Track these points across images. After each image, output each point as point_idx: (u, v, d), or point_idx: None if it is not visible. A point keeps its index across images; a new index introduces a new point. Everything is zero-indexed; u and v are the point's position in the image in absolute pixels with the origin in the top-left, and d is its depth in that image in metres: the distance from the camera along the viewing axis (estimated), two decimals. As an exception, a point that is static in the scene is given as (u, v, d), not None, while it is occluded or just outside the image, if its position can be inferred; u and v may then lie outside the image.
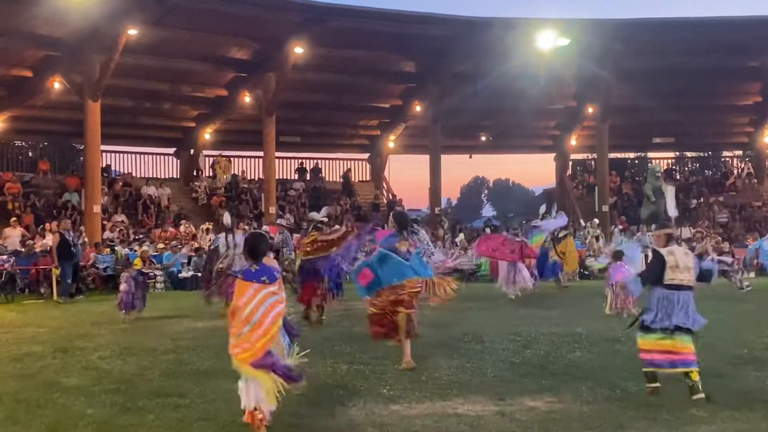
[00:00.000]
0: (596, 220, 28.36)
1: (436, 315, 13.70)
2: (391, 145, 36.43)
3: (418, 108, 33.03)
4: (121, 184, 30.09)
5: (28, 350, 10.55)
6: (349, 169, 36.98)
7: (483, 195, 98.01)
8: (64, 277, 18.40)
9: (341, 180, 36.43)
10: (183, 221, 27.69)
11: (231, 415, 6.77)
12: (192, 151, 33.54)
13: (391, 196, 36.75)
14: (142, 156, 34.05)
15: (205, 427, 6.47)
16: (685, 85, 31.52)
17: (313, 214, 13.74)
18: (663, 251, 7.78)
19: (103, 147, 27.34)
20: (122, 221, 26.85)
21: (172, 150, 34.20)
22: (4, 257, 19.70)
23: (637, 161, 40.51)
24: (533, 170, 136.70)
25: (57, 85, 25.94)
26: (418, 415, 6.80)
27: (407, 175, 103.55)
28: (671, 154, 40.28)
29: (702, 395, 7.29)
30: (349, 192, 35.06)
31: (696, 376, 7.43)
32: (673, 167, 39.68)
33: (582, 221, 29.54)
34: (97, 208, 25.05)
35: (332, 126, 35.68)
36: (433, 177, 33.00)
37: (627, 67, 29.30)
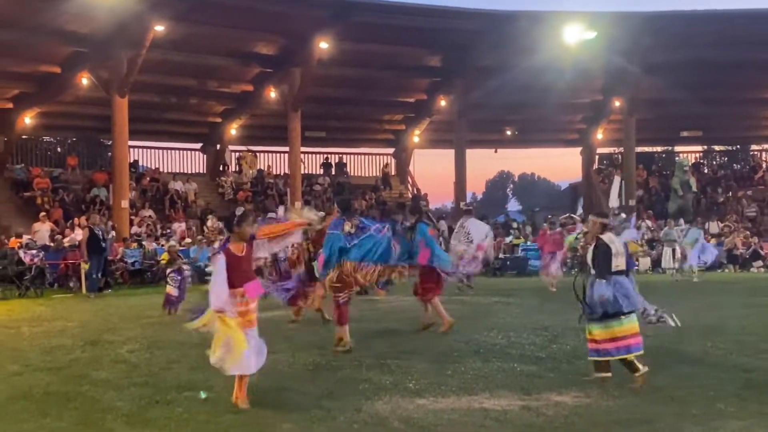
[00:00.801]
0: (623, 215, 28.16)
1: (463, 309, 13.73)
2: (416, 139, 36.40)
3: (443, 102, 32.96)
4: (148, 179, 30.33)
5: (57, 343, 10.67)
6: (387, 164, 36.97)
7: (508, 189, 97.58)
8: (93, 272, 18.57)
9: (380, 174, 36.63)
10: (209, 216, 27.86)
11: (258, 408, 6.83)
12: (218, 147, 33.70)
13: (416, 191, 36.74)
14: (169, 151, 34.35)
15: (233, 420, 6.51)
16: (714, 78, 31.19)
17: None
18: (606, 240, 7.95)
19: (131, 142, 27.60)
20: (149, 216, 27.07)
21: (198, 145, 34.40)
22: (34, 252, 19.95)
23: (664, 155, 40.17)
24: (559, 164, 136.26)
25: (85, 81, 26.15)
26: (443, 410, 6.80)
27: (432, 170, 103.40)
28: (699, 148, 39.89)
29: (610, 375, 7.75)
30: (388, 186, 35.16)
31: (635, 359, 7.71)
32: (701, 161, 39.31)
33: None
34: (124, 203, 25.27)
35: (357, 121, 35.75)
36: (458, 171, 32.89)
37: (655, 60, 29.03)
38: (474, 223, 16.15)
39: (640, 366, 7.69)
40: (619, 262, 7.87)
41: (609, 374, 7.84)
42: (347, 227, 9.96)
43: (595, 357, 7.96)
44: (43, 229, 22.80)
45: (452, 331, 11.17)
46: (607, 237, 8.02)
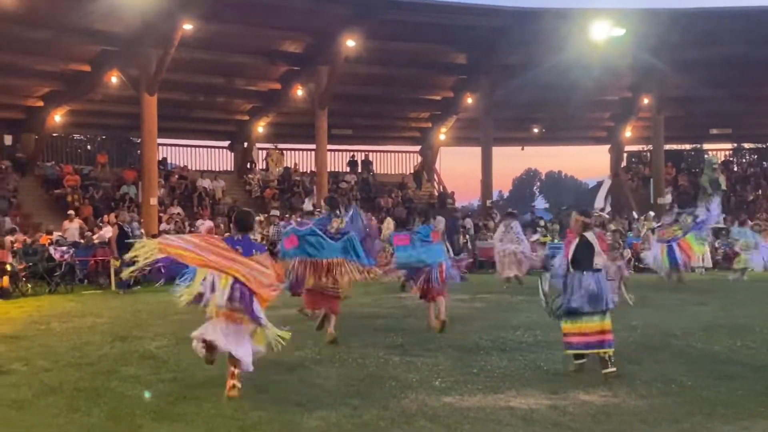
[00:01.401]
0: (651, 213, 27.95)
1: (489, 307, 13.72)
2: (442, 137, 36.34)
3: (469, 100, 32.86)
4: (176, 176, 30.55)
5: (87, 339, 10.78)
6: (421, 162, 36.97)
7: (535, 187, 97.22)
8: (123, 269, 18.67)
9: (411, 171, 36.56)
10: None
11: (285, 404, 6.88)
12: (245, 144, 33.88)
13: (442, 189, 36.70)
14: (197, 149, 34.64)
15: (260, 416, 6.55)
16: (743, 75, 30.86)
17: (306, 204, 14.47)
18: (588, 237, 8.34)
19: (160, 140, 27.77)
20: (178, 213, 27.25)
21: (226, 143, 34.63)
22: (64, 248, 20.14)
23: (693, 153, 39.80)
24: (586, 162, 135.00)
25: (114, 79, 26.36)
26: (470, 408, 6.80)
27: (459, 168, 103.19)
28: (728, 146, 39.49)
29: (584, 361, 8.18)
30: (419, 184, 35.16)
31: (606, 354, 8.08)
32: (731, 159, 38.92)
33: (635, 214, 29.10)
34: (153, 201, 25.47)
35: (384, 119, 35.78)
36: (484, 169, 32.79)
37: (684, 57, 28.77)
38: (521, 229, 17.40)
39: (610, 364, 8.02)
40: (597, 261, 8.26)
41: (614, 369, 8.02)
42: (335, 225, 10.26)
43: (572, 351, 8.30)
44: (72, 227, 23.02)
45: (478, 328, 11.18)
46: (590, 235, 8.38)
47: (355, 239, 10.27)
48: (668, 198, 29.52)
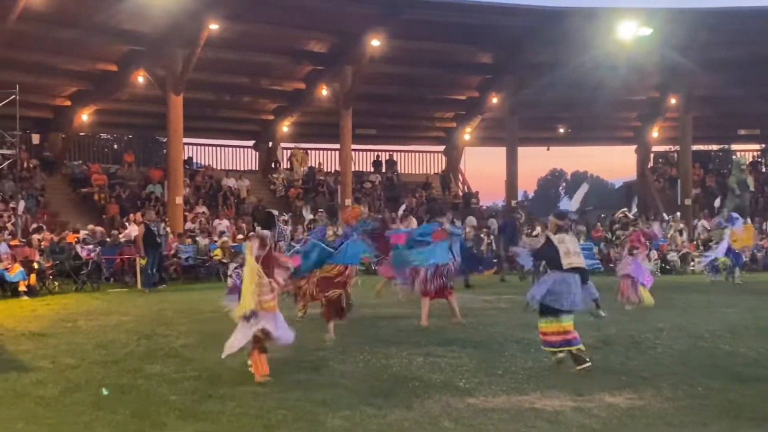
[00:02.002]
0: (678, 214, 27.74)
1: (514, 307, 13.64)
2: (467, 137, 36.27)
3: (494, 100, 32.78)
4: (202, 176, 30.70)
5: (113, 337, 10.85)
6: (446, 168, 36.96)
7: (560, 188, 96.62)
8: (149, 268, 18.82)
9: (437, 173, 36.72)
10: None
11: (309, 404, 6.88)
12: (270, 144, 33.98)
13: (467, 189, 36.61)
14: (223, 148, 34.80)
15: (284, 415, 6.56)
16: (773, 75, 30.53)
17: (305, 213, 15.40)
18: (555, 239, 8.72)
19: (185, 140, 27.97)
20: (203, 212, 27.38)
21: (251, 142, 34.74)
22: (91, 246, 20.30)
23: (721, 153, 39.41)
24: (613, 162, 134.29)
25: (141, 79, 26.56)
26: (494, 409, 6.76)
27: (484, 168, 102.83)
28: (757, 146, 39.05)
29: (562, 356, 8.45)
30: (447, 188, 35.08)
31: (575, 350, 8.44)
32: (759, 159, 38.48)
33: (665, 215, 28.84)
34: (179, 200, 25.62)
35: (408, 118, 35.74)
36: (509, 169, 32.70)
37: (712, 56, 28.51)
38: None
39: (585, 359, 8.37)
40: (572, 260, 8.58)
41: (588, 364, 8.33)
42: (329, 232, 10.79)
43: (548, 348, 8.63)
44: (98, 230, 23.16)
45: (503, 329, 11.15)
46: (557, 237, 8.73)
47: (352, 244, 10.65)
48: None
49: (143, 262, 18.90)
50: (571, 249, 8.68)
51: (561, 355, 8.48)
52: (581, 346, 8.44)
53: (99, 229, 22.94)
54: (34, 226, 21.73)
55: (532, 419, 6.45)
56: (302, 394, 7.28)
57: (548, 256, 8.82)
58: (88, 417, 6.58)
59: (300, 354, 9.39)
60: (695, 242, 25.98)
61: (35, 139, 28.93)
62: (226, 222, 25.91)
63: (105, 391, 7.34)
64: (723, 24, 27.48)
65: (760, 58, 28.98)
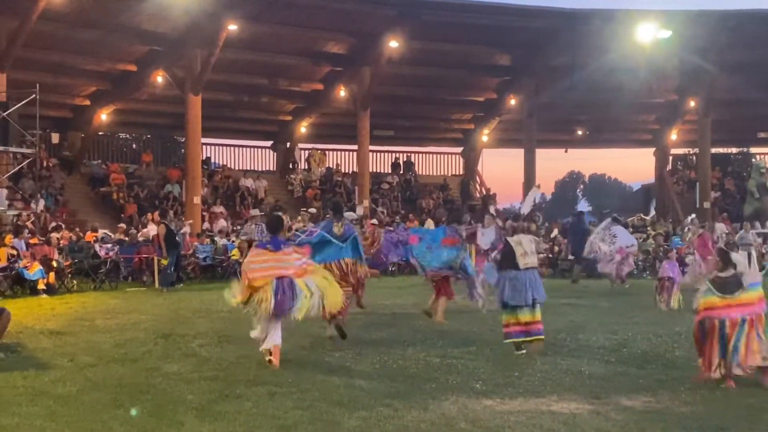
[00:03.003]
0: (693, 216, 27.49)
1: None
2: (485, 139, 36.21)
3: (513, 102, 32.71)
4: (220, 176, 30.81)
5: (130, 336, 10.90)
6: (466, 166, 36.96)
7: (578, 190, 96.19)
8: (168, 267, 18.89)
9: (456, 174, 36.86)
10: (279, 213, 28.05)
11: (326, 405, 6.89)
12: (288, 144, 34.06)
13: (484, 191, 36.53)
14: (241, 149, 34.91)
15: (301, 415, 6.57)
16: (794, 78, 30.28)
17: (349, 214, 15.58)
18: (512, 241, 9.71)
19: (204, 140, 28.07)
20: (221, 212, 27.46)
21: (269, 143, 34.84)
22: (109, 245, 20.41)
23: (740, 156, 39.10)
24: (631, 165, 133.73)
25: (160, 79, 26.71)
26: (511, 411, 6.75)
27: (501, 170, 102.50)
28: (776, 150, 38.78)
29: (524, 351, 9.37)
30: (466, 194, 34.96)
31: (541, 344, 9.53)
32: (779, 162, 38.20)
33: (683, 218, 28.65)
34: (197, 200, 25.72)
35: (426, 120, 35.72)
36: (527, 171, 32.58)
37: (732, 59, 28.33)
38: (621, 230, 18.58)
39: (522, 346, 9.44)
40: (527, 261, 9.58)
41: (524, 351, 9.39)
42: (336, 229, 10.75)
43: (510, 340, 9.56)
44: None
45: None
46: (515, 239, 9.71)
47: (357, 238, 10.94)
48: None
49: (165, 261, 18.96)
50: (527, 249, 9.61)
51: (522, 351, 9.40)
52: (541, 337, 9.52)
53: (122, 227, 23.10)
54: (53, 224, 21.85)
55: (549, 422, 6.44)
56: (319, 394, 7.29)
57: (506, 257, 9.71)
58: (106, 415, 6.61)
59: (316, 355, 9.41)
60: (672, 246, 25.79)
61: (55, 138, 29.09)
62: (222, 222, 25.93)
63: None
64: (743, 26, 27.26)
65: (779, 60, 28.78)
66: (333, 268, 10.30)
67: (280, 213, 11.48)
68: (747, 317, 7.72)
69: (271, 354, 8.58)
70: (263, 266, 8.68)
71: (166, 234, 18.95)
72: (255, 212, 23.53)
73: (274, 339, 8.65)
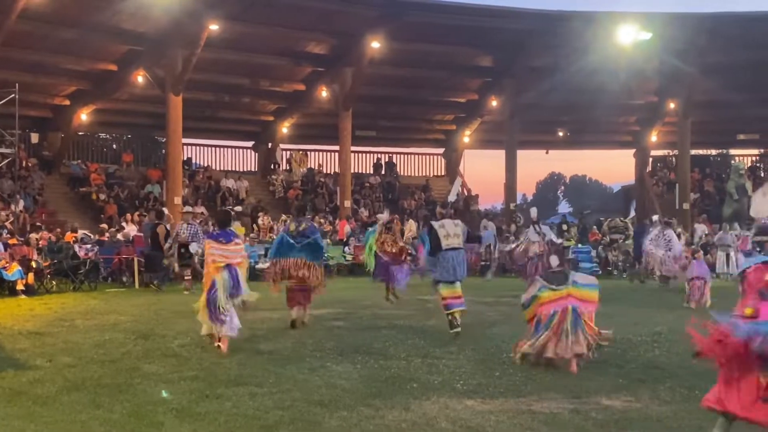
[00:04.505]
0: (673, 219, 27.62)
1: (511, 310, 13.62)
2: (466, 140, 36.29)
3: (494, 103, 32.81)
4: (201, 176, 30.69)
5: (110, 337, 10.83)
6: (448, 167, 37.01)
7: (559, 191, 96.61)
8: (167, 267, 19.02)
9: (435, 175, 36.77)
10: (261, 213, 28.06)
11: (306, 404, 6.88)
12: (270, 145, 33.98)
13: (466, 192, 36.61)
14: (222, 149, 34.79)
15: (281, 416, 6.56)
16: (772, 80, 30.53)
17: (380, 216, 16.70)
18: (436, 225, 11.05)
19: (185, 140, 27.97)
20: (202, 213, 27.34)
21: (250, 143, 34.75)
22: (88, 246, 20.27)
23: (719, 158, 39.41)
24: (611, 167, 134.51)
25: (140, 79, 26.56)
26: (492, 411, 6.76)
27: (483, 171, 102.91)
28: (755, 151, 39.05)
29: (459, 329, 10.62)
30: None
31: (459, 315, 10.80)
32: (758, 164, 38.50)
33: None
34: (178, 200, 25.61)
35: (408, 120, 35.73)
36: (508, 172, 32.71)
37: (711, 61, 28.56)
38: (674, 236, 19.07)
39: (457, 324, 10.70)
40: (450, 242, 10.79)
41: (458, 329, 10.66)
42: (292, 227, 11.92)
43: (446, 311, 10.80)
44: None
45: (501, 331, 11.16)
46: (438, 223, 11.09)
47: (319, 240, 11.98)
48: None
49: (167, 262, 19.06)
50: (450, 232, 10.85)
51: (457, 330, 10.61)
52: (462, 309, 10.87)
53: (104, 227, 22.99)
54: (33, 225, 21.71)
55: (530, 421, 6.46)
56: (300, 394, 7.28)
57: (432, 240, 10.89)
58: (85, 416, 6.57)
59: (298, 354, 9.39)
60: (694, 247, 25.95)
61: (34, 138, 28.89)
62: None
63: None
64: (722, 29, 27.51)
65: (759, 62, 28.99)
66: (288, 263, 11.55)
67: (228, 209, 12.65)
68: (578, 308, 8.44)
69: (220, 340, 9.51)
70: (223, 253, 9.73)
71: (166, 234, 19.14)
72: (188, 209, 23.29)
73: (229, 328, 9.52)
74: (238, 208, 26.89)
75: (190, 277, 17.81)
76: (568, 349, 8.25)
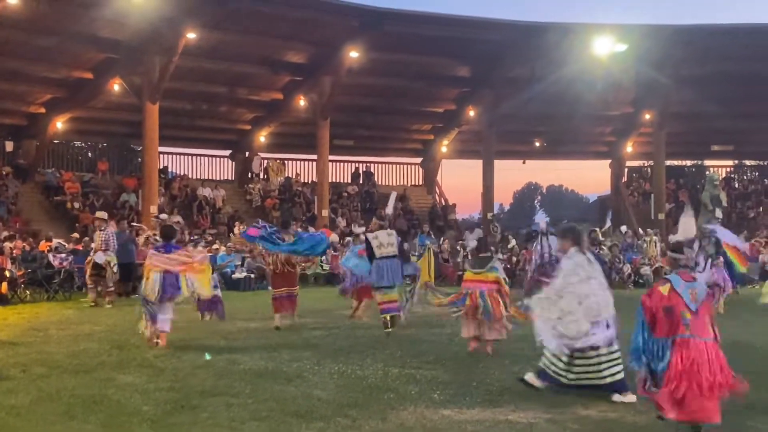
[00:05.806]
0: (651, 230, 27.82)
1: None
2: (444, 149, 36.36)
3: (472, 113, 32.92)
4: (177, 185, 30.51)
5: (84, 347, 10.75)
6: (426, 176, 37.10)
7: (536, 201, 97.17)
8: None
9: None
10: (237, 222, 27.95)
11: (283, 415, 6.84)
12: (247, 154, 33.87)
13: (443, 201, 36.69)
14: (199, 158, 34.58)
15: (257, 426, 6.52)
16: (745, 92, 30.85)
17: (356, 229, 17.76)
18: (370, 236, 12.22)
19: (161, 148, 27.75)
20: (178, 222, 27.16)
21: (227, 152, 34.61)
22: (63, 255, 20.08)
23: (694, 169, 39.76)
24: (587, 177, 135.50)
25: (117, 87, 26.40)
26: (469, 421, 6.77)
27: (460, 180, 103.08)
28: (730, 162, 39.49)
29: (390, 330, 11.67)
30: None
31: (397, 319, 12.02)
32: (732, 175, 38.92)
33: (640, 230, 28.95)
34: (154, 209, 25.40)
35: (386, 130, 35.75)
36: (486, 182, 32.81)
37: (686, 73, 28.85)
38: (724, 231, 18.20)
39: (389, 325, 11.72)
40: (383, 251, 11.92)
41: (390, 330, 11.72)
42: (285, 237, 12.79)
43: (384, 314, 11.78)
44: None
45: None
46: (371, 235, 12.23)
47: (304, 239, 12.99)
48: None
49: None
50: (384, 242, 11.95)
51: (390, 329, 11.68)
52: (398, 315, 12.04)
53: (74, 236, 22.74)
54: (6, 233, 21.48)
55: (507, 431, 6.47)
56: (276, 404, 7.24)
57: (369, 250, 12.05)
58: (59, 427, 6.52)
59: (274, 365, 9.35)
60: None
61: (9, 146, 28.65)
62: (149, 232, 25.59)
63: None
64: (697, 41, 27.78)
65: (733, 74, 29.35)
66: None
67: (172, 224, 14.04)
68: (485, 292, 9.93)
69: (158, 337, 10.65)
70: (160, 260, 10.78)
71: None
72: (163, 217, 22.54)
73: (162, 324, 10.67)
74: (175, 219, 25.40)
75: (112, 289, 17.38)
76: (486, 334, 10.02)
